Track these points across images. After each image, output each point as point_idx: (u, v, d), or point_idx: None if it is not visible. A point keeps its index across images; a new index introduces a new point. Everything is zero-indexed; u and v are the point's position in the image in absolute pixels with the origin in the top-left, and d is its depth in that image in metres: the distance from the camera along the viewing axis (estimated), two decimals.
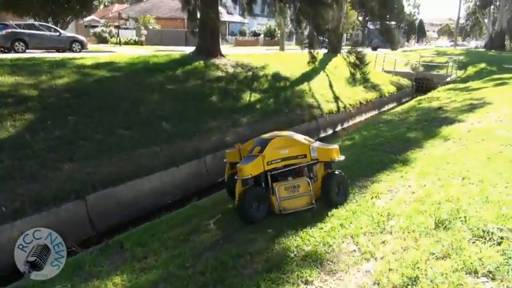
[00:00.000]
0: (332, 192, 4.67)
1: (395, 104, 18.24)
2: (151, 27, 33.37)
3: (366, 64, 14.30)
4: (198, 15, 15.05)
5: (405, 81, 21.56)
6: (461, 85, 18.47)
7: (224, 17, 31.83)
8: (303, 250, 3.55)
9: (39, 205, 5.52)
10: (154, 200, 6.98)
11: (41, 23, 19.52)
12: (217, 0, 14.70)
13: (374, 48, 33.78)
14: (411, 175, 5.43)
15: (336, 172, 4.85)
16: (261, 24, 42.62)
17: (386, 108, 17.44)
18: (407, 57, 27.08)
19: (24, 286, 3.64)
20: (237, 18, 40.47)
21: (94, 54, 14.71)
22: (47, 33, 18.01)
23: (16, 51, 16.11)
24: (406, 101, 18.18)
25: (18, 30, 17.12)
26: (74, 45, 18.50)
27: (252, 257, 3.56)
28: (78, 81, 9.70)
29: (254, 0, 15.74)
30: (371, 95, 17.04)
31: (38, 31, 17.67)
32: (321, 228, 3.97)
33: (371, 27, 39.75)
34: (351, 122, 14.54)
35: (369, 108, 16.35)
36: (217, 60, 14.09)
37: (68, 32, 21.04)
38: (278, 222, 4.25)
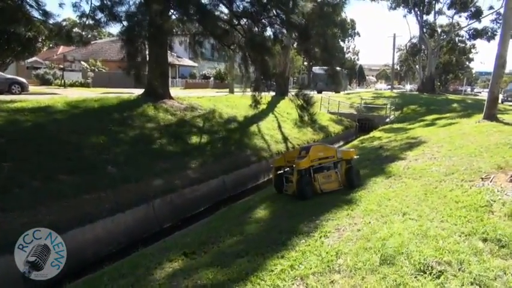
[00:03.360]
0: (353, 179, 7.09)
1: (341, 144, 19.07)
2: (97, 69, 32.79)
3: (313, 104, 15.03)
4: (139, 58, 14.73)
5: (349, 122, 22.79)
6: (399, 125, 19.86)
7: (174, 60, 32.18)
8: None
9: None
10: (98, 250, 6.58)
11: None
12: (165, 43, 14.89)
13: (319, 91, 35.52)
14: (357, 212, 5.61)
15: (354, 166, 7.30)
16: (211, 67, 43.48)
17: None
18: (350, 99, 28.85)
19: None
20: (187, 62, 41.05)
21: (35, 97, 14.06)
22: None
23: None
24: (351, 141, 19.10)
25: None
26: (13, 87, 17.65)
27: None
28: (15, 125, 9.17)
29: (203, 45, 16.13)
30: (318, 136, 17.77)
31: None
32: (272, 270, 3.93)
33: (316, 71, 42.02)
34: None
35: None
36: (166, 103, 14.06)
37: (8, 74, 20.10)
38: (231, 263, 4.15)
